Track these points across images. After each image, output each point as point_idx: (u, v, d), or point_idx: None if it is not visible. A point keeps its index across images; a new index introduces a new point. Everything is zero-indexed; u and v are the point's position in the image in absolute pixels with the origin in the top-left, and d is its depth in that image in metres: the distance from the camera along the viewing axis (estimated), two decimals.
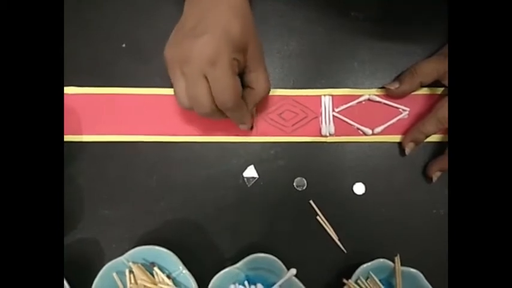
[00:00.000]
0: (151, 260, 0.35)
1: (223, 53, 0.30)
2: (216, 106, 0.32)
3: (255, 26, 0.33)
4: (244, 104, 0.34)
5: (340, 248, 0.38)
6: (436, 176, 0.38)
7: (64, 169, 0.38)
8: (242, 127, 0.37)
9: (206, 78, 0.31)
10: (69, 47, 0.38)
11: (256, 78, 0.34)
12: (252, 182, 0.39)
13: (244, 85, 0.34)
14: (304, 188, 0.39)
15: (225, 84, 0.31)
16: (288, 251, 0.37)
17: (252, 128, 0.39)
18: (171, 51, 0.32)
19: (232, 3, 0.31)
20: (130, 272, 0.35)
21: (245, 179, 0.39)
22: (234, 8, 0.31)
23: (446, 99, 0.37)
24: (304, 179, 0.39)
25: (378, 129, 0.39)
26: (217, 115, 0.33)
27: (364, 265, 0.35)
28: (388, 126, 0.40)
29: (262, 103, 0.40)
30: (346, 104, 0.40)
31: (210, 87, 0.31)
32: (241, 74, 0.34)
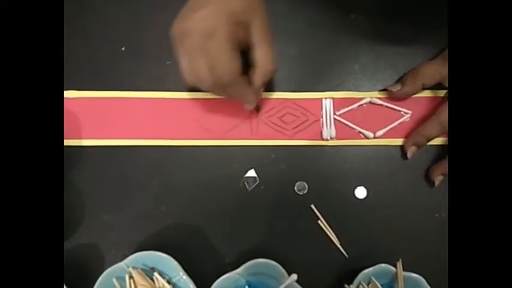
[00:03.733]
0: (151, 265, 0.35)
1: (220, 25, 0.30)
2: None
3: (262, 3, 0.33)
4: (245, 81, 0.34)
5: (341, 252, 0.38)
6: (438, 179, 0.38)
7: (64, 173, 0.37)
8: (246, 106, 0.36)
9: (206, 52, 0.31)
10: (69, 50, 0.38)
11: (260, 56, 0.33)
12: (253, 186, 0.39)
13: (250, 64, 0.34)
14: (305, 192, 0.39)
15: (221, 58, 0.31)
16: (289, 255, 0.37)
17: (258, 109, 0.38)
18: (174, 28, 0.32)
19: None
20: (130, 277, 0.34)
21: (246, 182, 0.39)
22: None
23: None
24: (305, 183, 0.39)
25: (380, 133, 0.39)
26: (220, 91, 0.34)
27: (366, 270, 0.35)
28: (390, 129, 0.39)
29: (263, 106, 0.40)
30: (347, 107, 0.40)
31: (209, 61, 0.31)
32: (247, 52, 0.34)
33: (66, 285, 0.34)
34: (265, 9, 0.33)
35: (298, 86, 0.40)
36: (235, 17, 0.31)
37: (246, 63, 0.34)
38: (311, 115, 0.40)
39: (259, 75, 0.34)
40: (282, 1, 0.41)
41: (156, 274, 0.35)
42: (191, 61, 0.32)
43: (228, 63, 0.31)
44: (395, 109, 0.40)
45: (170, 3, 0.34)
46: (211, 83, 0.32)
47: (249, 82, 0.34)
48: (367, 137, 0.39)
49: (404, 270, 0.35)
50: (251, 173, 0.39)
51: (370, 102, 0.40)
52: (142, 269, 0.35)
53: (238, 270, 0.34)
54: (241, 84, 0.34)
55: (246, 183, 0.39)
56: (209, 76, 0.32)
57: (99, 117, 0.39)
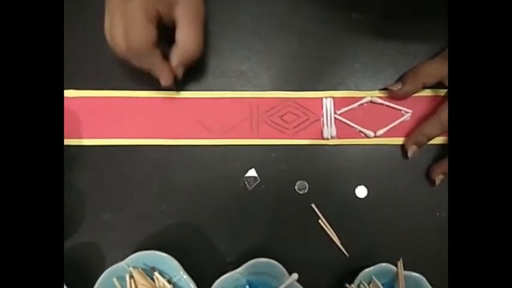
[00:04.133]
0: (151, 264, 0.35)
1: None
2: None
3: None
4: (158, 54, 0.34)
5: (342, 252, 0.38)
6: (439, 179, 0.38)
7: (64, 173, 0.37)
8: (161, 82, 0.36)
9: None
10: (69, 50, 0.37)
11: (182, 35, 0.34)
12: (253, 186, 0.39)
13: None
14: (306, 191, 0.39)
15: (134, 25, 0.31)
16: (289, 255, 0.37)
17: (173, 89, 0.38)
18: None
19: None
20: (131, 277, 0.34)
21: (246, 182, 0.39)
22: None
23: None
24: (305, 182, 0.39)
25: (380, 132, 0.39)
26: (134, 60, 0.34)
27: (367, 269, 0.35)
28: (391, 128, 0.39)
29: (263, 105, 0.39)
30: (348, 106, 0.40)
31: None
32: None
33: (67, 284, 0.34)
34: None
35: (299, 85, 0.40)
36: None
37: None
38: (312, 114, 0.40)
39: (176, 54, 0.34)
40: (282, 0, 0.41)
41: (156, 274, 0.35)
42: (110, 22, 0.33)
43: (140, 31, 0.32)
44: (396, 108, 0.39)
45: None
46: (125, 48, 0.33)
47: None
48: (367, 136, 0.39)
49: (405, 269, 0.35)
50: (251, 172, 0.39)
51: (370, 102, 0.40)
52: (142, 269, 0.35)
53: (239, 269, 0.34)
54: (153, 57, 0.34)
55: (246, 182, 0.39)
56: (123, 41, 0.32)
57: (99, 117, 0.39)
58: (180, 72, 0.36)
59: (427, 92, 0.40)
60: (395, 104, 0.39)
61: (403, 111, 0.39)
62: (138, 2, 0.31)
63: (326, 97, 0.40)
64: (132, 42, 0.32)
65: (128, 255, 0.35)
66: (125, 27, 0.32)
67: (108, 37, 0.33)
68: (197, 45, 0.35)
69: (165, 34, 0.35)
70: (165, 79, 0.36)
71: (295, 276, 0.33)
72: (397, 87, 0.38)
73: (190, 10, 0.33)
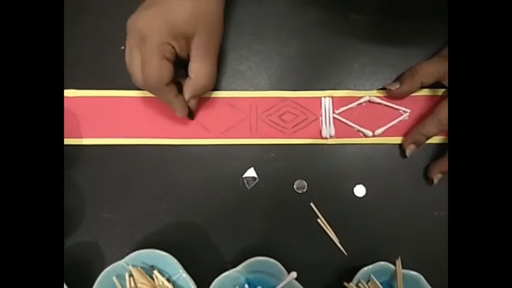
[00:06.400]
0: (151, 263, 0.35)
1: (154, 32, 0.31)
2: None
3: (215, 18, 0.33)
4: (173, 90, 0.35)
5: (341, 250, 0.38)
6: (437, 178, 0.38)
7: (64, 172, 0.38)
8: (177, 114, 0.37)
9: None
10: (69, 49, 0.38)
11: (196, 69, 0.34)
12: (252, 185, 0.39)
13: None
14: (305, 190, 0.39)
15: (150, 63, 0.32)
16: (288, 253, 0.37)
17: (192, 117, 0.39)
18: (128, 20, 0.33)
19: None
20: (130, 275, 0.34)
21: (245, 181, 0.39)
22: None
23: (447, 100, 0.37)
24: (304, 182, 0.39)
25: (379, 131, 0.39)
26: (151, 92, 0.35)
27: (365, 268, 0.35)
28: (389, 128, 0.39)
29: (262, 104, 0.40)
30: (346, 105, 0.40)
31: None
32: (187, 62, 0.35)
33: (67, 283, 0.34)
34: (217, 25, 0.34)
35: (298, 85, 0.40)
36: (173, 28, 0.31)
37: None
38: (310, 114, 0.40)
39: (188, 87, 0.35)
40: (282, 1, 0.41)
41: (155, 272, 0.35)
42: (129, 56, 0.33)
43: (155, 70, 0.32)
44: (394, 108, 0.40)
45: None
46: (142, 84, 0.34)
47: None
48: (366, 136, 0.39)
49: (403, 268, 0.35)
50: (251, 171, 0.39)
51: (369, 101, 0.40)
52: (142, 267, 0.35)
53: (238, 268, 0.34)
54: (167, 93, 0.34)
55: (245, 181, 0.39)
56: (140, 76, 0.33)
57: (100, 116, 0.39)
58: (193, 104, 0.37)
59: (425, 92, 0.40)
60: (394, 103, 0.40)
61: (401, 111, 0.40)
62: (154, 41, 0.31)
63: (325, 97, 0.40)
64: (148, 80, 0.33)
65: (127, 254, 0.35)
66: (142, 64, 0.32)
67: (128, 68, 0.34)
68: (209, 79, 0.35)
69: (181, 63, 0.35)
70: (179, 112, 0.36)
71: (293, 274, 0.33)
72: (395, 87, 0.39)
73: (203, 46, 0.34)
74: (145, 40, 0.31)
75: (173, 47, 0.32)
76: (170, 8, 0.31)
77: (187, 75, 0.35)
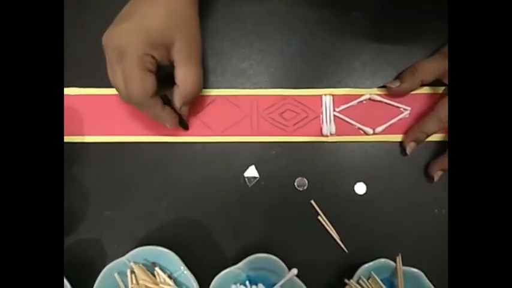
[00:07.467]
0: (152, 260, 0.35)
1: (132, 46, 0.30)
2: None
3: (191, 22, 0.33)
4: (158, 103, 0.34)
5: (341, 247, 0.38)
6: (437, 175, 0.38)
7: (66, 170, 0.38)
8: (168, 126, 0.36)
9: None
10: (69, 48, 0.38)
11: (182, 75, 0.33)
12: (253, 182, 0.39)
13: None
14: (305, 188, 0.39)
15: (130, 78, 0.31)
16: (289, 251, 0.37)
17: (186, 127, 0.38)
18: (104, 36, 0.32)
19: None
20: (132, 272, 0.35)
21: (246, 179, 0.39)
22: (168, 2, 0.31)
23: (447, 98, 0.37)
24: (305, 179, 0.39)
25: (379, 129, 0.39)
26: (136, 107, 0.34)
27: (366, 265, 0.35)
28: (389, 125, 0.39)
29: (263, 102, 0.40)
30: (347, 103, 0.40)
31: None
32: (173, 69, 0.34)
33: (68, 280, 0.34)
34: (194, 28, 0.33)
35: (299, 83, 0.40)
36: (152, 37, 0.31)
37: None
38: (311, 111, 0.40)
39: (178, 95, 0.34)
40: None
41: (157, 269, 0.35)
42: (111, 73, 0.33)
43: (138, 84, 0.31)
44: (394, 105, 0.40)
45: None
46: (126, 99, 0.33)
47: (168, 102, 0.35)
48: (366, 133, 0.39)
49: (404, 265, 0.35)
50: (251, 169, 0.39)
51: (369, 99, 0.40)
52: (143, 264, 0.35)
53: (239, 265, 0.35)
54: (153, 105, 0.33)
55: (246, 179, 0.39)
56: (124, 93, 0.32)
57: (101, 114, 0.40)
58: (185, 112, 0.37)
59: (426, 89, 0.40)
60: (394, 101, 0.40)
61: (401, 109, 0.40)
62: (133, 54, 0.30)
63: (325, 94, 0.40)
64: (132, 94, 0.32)
65: (128, 251, 0.35)
66: (124, 80, 0.31)
67: (112, 85, 0.33)
68: (197, 84, 0.34)
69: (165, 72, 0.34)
70: (169, 123, 0.36)
71: (294, 271, 0.33)
72: (395, 85, 0.39)
73: (187, 51, 0.33)
74: (125, 55, 0.30)
75: (153, 57, 0.32)
76: (144, 19, 0.30)
77: (171, 85, 0.35)
